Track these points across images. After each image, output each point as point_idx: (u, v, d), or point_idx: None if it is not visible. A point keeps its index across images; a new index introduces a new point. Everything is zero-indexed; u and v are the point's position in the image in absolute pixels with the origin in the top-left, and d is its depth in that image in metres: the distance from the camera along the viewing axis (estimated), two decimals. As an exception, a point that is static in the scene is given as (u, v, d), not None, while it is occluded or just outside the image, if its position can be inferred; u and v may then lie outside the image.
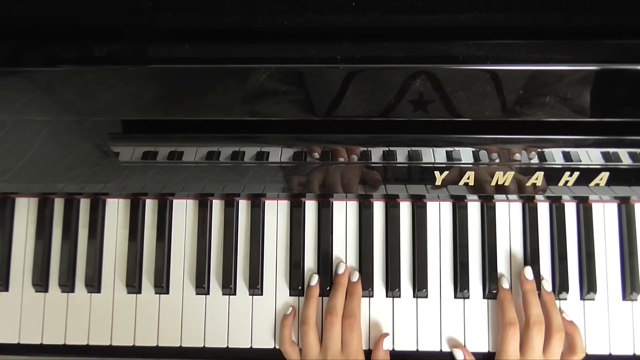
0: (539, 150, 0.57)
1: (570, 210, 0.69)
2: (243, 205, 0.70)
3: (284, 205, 0.70)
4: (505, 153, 0.57)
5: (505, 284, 0.67)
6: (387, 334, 0.67)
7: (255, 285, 0.68)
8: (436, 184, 0.61)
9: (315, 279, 0.68)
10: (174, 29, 0.50)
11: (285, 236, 0.70)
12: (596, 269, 0.68)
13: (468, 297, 0.68)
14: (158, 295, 0.69)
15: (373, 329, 0.68)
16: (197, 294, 0.69)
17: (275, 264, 0.69)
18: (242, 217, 0.70)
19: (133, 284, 0.69)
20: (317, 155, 0.58)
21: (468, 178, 0.60)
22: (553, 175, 0.59)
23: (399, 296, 0.68)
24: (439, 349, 0.67)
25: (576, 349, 0.64)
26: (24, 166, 0.61)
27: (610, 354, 0.67)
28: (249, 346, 0.68)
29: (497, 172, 0.59)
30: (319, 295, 0.68)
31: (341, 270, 0.68)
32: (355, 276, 0.67)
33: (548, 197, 0.68)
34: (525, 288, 0.65)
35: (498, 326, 0.66)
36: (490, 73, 0.48)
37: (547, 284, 0.67)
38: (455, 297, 0.68)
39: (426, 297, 0.68)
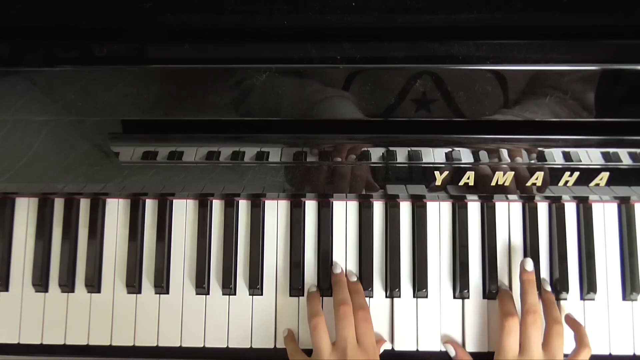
0: (539, 150, 0.57)
1: (570, 210, 0.69)
2: (243, 205, 0.70)
3: (284, 205, 0.70)
4: (505, 153, 0.57)
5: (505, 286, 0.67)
6: (385, 340, 0.67)
7: (255, 285, 0.68)
8: (436, 184, 0.61)
9: (314, 287, 0.68)
10: (174, 29, 0.50)
11: (285, 236, 0.70)
12: (596, 269, 0.68)
13: (468, 297, 0.68)
14: (158, 295, 0.69)
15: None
16: (197, 294, 0.69)
17: (275, 264, 0.69)
18: (242, 217, 0.70)
19: (133, 284, 0.69)
20: (317, 155, 0.58)
21: (468, 178, 0.60)
22: (553, 175, 0.59)
23: (399, 296, 0.68)
24: (439, 349, 0.67)
25: (582, 342, 0.63)
26: (24, 166, 0.61)
27: (610, 354, 0.67)
28: (249, 346, 0.68)
29: (497, 172, 0.59)
30: (320, 296, 0.68)
31: (338, 270, 0.68)
32: (354, 277, 0.68)
33: (548, 197, 0.68)
34: (523, 278, 0.65)
35: (498, 326, 0.66)
36: (490, 73, 0.48)
37: (547, 285, 0.67)
38: (455, 297, 0.68)
39: (426, 297, 0.68)
